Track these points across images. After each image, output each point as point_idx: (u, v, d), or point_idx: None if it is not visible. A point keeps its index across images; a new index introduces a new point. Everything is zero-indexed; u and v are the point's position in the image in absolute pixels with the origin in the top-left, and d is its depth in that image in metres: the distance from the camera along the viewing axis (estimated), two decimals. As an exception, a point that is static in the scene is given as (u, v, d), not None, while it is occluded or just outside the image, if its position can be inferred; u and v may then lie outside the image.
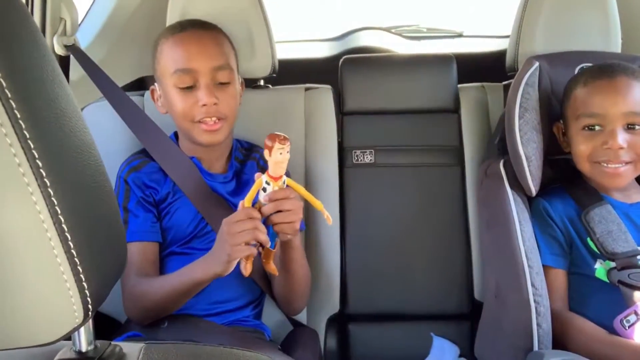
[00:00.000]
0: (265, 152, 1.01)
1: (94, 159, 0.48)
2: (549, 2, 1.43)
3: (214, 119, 1.22)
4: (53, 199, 0.43)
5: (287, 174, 1.07)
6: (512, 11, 1.50)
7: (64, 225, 0.44)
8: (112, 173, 1.29)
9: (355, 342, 1.53)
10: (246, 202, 1.06)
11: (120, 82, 1.49)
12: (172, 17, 1.39)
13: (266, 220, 1.07)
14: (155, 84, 1.30)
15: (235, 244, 1.03)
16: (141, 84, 1.70)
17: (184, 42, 1.24)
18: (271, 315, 1.36)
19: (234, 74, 1.27)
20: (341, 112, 1.58)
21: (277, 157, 1.01)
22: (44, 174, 0.42)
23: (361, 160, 1.56)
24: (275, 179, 1.04)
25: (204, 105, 1.21)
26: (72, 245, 0.44)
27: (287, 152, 1.01)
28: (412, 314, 1.53)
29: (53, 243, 0.44)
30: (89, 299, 0.46)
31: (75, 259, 0.44)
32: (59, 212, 0.43)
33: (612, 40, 1.41)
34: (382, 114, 1.59)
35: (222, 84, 1.23)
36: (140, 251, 1.21)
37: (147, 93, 1.37)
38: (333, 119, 1.50)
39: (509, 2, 1.75)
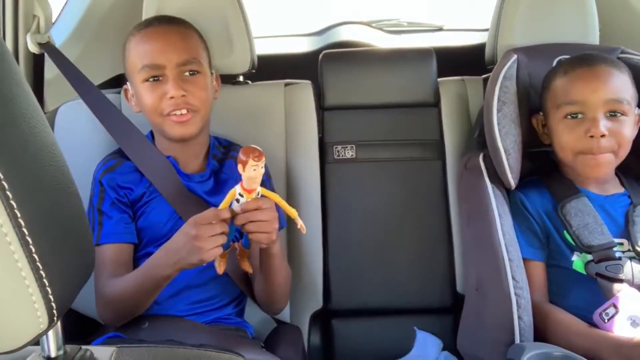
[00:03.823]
0: (239, 167, 1.00)
1: (56, 160, 0.47)
2: (527, -5, 1.43)
3: (183, 111, 1.21)
4: (12, 202, 0.42)
5: (267, 174, 1.05)
6: (492, 4, 1.50)
7: (24, 229, 0.42)
8: (89, 173, 1.28)
9: (339, 337, 1.53)
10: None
11: (97, 80, 1.48)
12: (148, 13, 1.37)
13: (242, 227, 1.07)
14: (127, 82, 1.29)
15: (208, 249, 1.03)
16: (119, 82, 1.68)
17: (150, 38, 1.23)
18: (254, 313, 1.36)
19: (203, 67, 1.26)
20: (321, 108, 1.58)
21: (251, 174, 1.00)
22: (2, 177, 0.41)
23: (342, 155, 1.55)
24: (249, 191, 1.03)
25: (172, 97, 1.20)
26: (33, 250, 0.43)
27: (262, 167, 1.00)
28: (395, 309, 1.53)
29: (13, 247, 0.42)
30: (53, 304, 0.45)
31: (38, 263, 0.43)
32: (19, 215, 0.42)
33: (589, 32, 1.42)
34: (362, 108, 1.59)
35: (191, 75, 1.22)
36: (113, 253, 1.20)
37: None
38: (313, 115, 1.50)
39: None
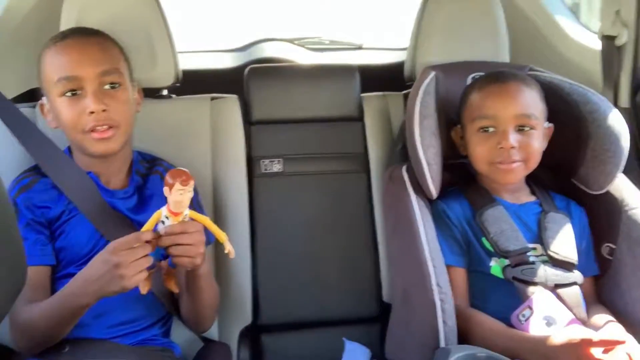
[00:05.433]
0: (165, 189, 0.98)
1: None
2: (443, 16, 1.51)
3: (104, 126, 1.18)
4: None
5: (195, 191, 1.03)
6: (408, 24, 1.57)
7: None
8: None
9: (269, 352, 1.52)
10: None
11: (10, 94, 1.41)
12: (66, 25, 1.33)
13: (166, 249, 1.04)
14: (43, 97, 1.24)
15: (131, 276, 1.00)
16: (32, 96, 1.60)
17: (66, 49, 1.20)
18: (181, 333, 1.32)
19: (124, 79, 1.23)
20: (248, 122, 1.58)
21: (177, 197, 0.98)
22: None
23: (270, 169, 1.56)
24: (176, 214, 1.01)
25: (92, 112, 1.16)
26: None
27: (190, 191, 0.98)
28: (324, 321, 1.54)
29: None
30: None
31: None
32: None
33: (501, 51, 1.52)
34: (289, 123, 1.60)
35: (112, 88, 1.19)
36: (29, 277, 1.13)
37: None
38: (240, 129, 1.50)
39: (404, 17, 1.83)
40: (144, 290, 1.05)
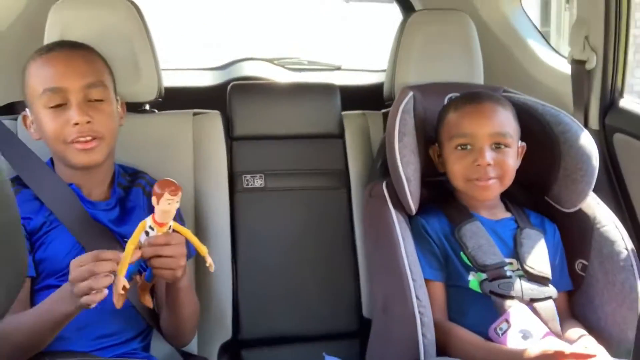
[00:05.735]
0: (153, 199, 0.99)
1: None
2: (420, 40, 1.56)
3: (88, 137, 1.18)
4: None
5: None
6: (383, 48, 1.61)
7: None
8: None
9: None
10: (129, 244, 1.02)
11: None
12: (50, 38, 1.34)
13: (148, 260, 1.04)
14: (27, 109, 1.24)
15: (78, 294, 0.98)
16: (11, 110, 1.60)
17: (52, 62, 1.21)
18: (160, 347, 1.31)
19: (108, 92, 1.24)
20: (230, 137, 1.59)
21: (165, 207, 0.99)
22: None
23: (251, 184, 1.57)
24: (161, 224, 1.02)
25: (76, 124, 1.17)
26: None
27: (177, 202, 0.99)
28: (304, 336, 1.55)
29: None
30: None
31: None
32: None
33: (475, 73, 1.57)
34: (271, 139, 1.63)
35: (96, 101, 1.20)
36: None
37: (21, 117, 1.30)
38: (222, 144, 1.51)
39: (379, 41, 1.88)
40: (118, 303, 1.03)
